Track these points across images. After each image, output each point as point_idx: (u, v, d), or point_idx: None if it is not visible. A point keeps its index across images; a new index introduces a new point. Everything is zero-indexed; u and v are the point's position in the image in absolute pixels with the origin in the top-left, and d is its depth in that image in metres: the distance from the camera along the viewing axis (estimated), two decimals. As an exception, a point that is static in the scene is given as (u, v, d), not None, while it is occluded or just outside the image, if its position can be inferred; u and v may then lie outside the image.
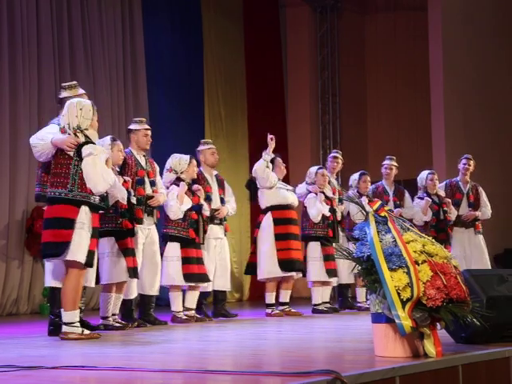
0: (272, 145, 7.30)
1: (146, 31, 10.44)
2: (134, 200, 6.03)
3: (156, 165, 6.51)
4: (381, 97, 13.28)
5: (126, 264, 5.83)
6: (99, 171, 4.89)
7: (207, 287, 6.90)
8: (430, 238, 3.68)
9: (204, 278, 6.66)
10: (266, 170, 7.27)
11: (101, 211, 5.28)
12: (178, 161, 6.70)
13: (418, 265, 3.47)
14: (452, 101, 11.51)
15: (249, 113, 12.07)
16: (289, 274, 7.34)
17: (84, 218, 4.90)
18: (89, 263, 4.98)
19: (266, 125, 11.89)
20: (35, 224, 8.57)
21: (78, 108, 4.99)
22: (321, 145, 12.95)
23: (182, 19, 11.01)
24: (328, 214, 7.58)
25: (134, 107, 10.16)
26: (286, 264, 7.27)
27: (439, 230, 8.23)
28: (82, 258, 4.91)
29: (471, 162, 8.65)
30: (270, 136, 7.34)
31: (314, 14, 13.20)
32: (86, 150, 4.92)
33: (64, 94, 5.51)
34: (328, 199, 7.74)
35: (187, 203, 6.54)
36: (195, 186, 6.77)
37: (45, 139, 5.03)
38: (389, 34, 13.29)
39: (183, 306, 6.67)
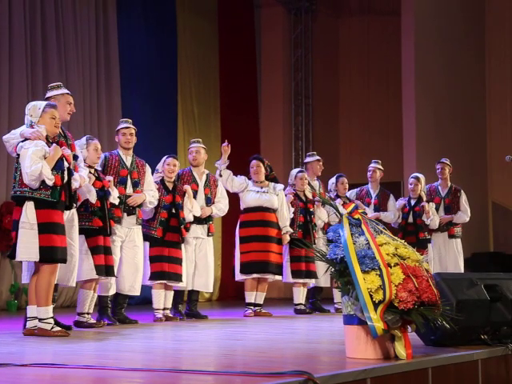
0: (226, 152, 7.27)
1: (120, 31, 10.39)
2: (115, 201, 6.02)
3: (147, 167, 6.52)
4: (353, 99, 13.39)
5: (93, 261, 5.79)
6: (25, 164, 4.91)
7: (185, 286, 6.86)
8: (403, 241, 3.72)
9: (173, 276, 6.63)
10: (219, 179, 7.27)
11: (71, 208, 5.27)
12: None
13: (391, 267, 3.50)
14: (423, 102, 11.64)
15: (222, 113, 12.07)
16: (246, 276, 7.32)
17: (25, 217, 4.93)
18: (54, 259, 4.98)
19: (239, 125, 11.95)
20: (4, 220, 8.49)
21: (28, 108, 5.15)
22: (293, 146, 13.00)
23: (156, 19, 10.98)
24: (291, 215, 7.59)
25: (107, 107, 10.10)
26: (244, 267, 7.29)
27: (406, 232, 8.28)
28: (32, 256, 4.94)
29: (445, 166, 8.74)
30: (224, 144, 7.34)
31: (289, 16, 13.24)
32: (18, 146, 5.01)
33: (48, 93, 5.60)
34: (301, 201, 7.77)
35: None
36: (184, 187, 6.82)
37: (15, 133, 5.14)
38: (362, 37, 13.41)
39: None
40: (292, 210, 7.64)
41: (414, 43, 11.57)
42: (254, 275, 7.32)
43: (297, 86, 13.17)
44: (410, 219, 8.47)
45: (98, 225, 5.84)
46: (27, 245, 4.92)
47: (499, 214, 12.99)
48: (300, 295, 7.79)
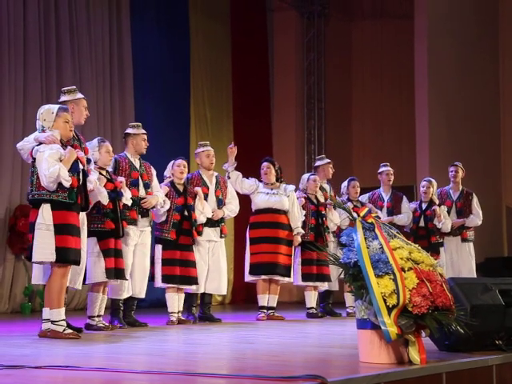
0: (232, 154, 7.28)
1: (134, 35, 10.43)
2: (128, 202, 6.04)
3: (153, 169, 6.56)
4: (366, 102, 13.36)
5: (104, 265, 5.81)
6: (42, 166, 4.94)
7: (197, 289, 6.87)
8: (417, 246, 3.70)
9: (187, 280, 6.63)
10: (228, 181, 7.28)
11: (83, 210, 5.29)
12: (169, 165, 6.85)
13: (405, 272, 3.49)
14: (436, 106, 11.60)
15: (234, 116, 12.07)
16: (255, 278, 7.34)
17: (41, 218, 4.96)
18: (67, 260, 5.01)
19: (251, 129, 11.95)
20: (18, 222, 8.53)
21: (40, 112, 5.17)
22: (306, 150, 12.98)
23: (169, 22, 11.01)
24: (302, 218, 7.58)
25: (120, 110, 10.13)
26: (253, 268, 7.30)
27: (418, 237, 8.25)
28: (48, 257, 4.96)
29: (459, 169, 8.70)
30: (230, 145, 7.35)
31: (302, 20, 13.24)
32: (34, 149, 5.03)
33: (63, 97, 5.62)
34: (313, 204, 7.76)
35: (166, 205, 6.56)
36: (195, 189, 6.82)
37: (29, 140, 5.17)
38: (375, 40, 13.38)
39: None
40: (303, 212, 7.63)
41: (427, 46, 11.53)
42: (263, 276, 7.33)
43: (309, 90, 13.16)
44: (421, 223, 8.43)
45: (111, 227, 5.84)
46: (43, 245, 4.95)
47: (513, 218, 12.92)
48: (312, 299, 7.77)
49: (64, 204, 5.00)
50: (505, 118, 13.04)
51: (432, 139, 11.46)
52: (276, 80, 12.98)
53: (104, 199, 5.73)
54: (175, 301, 6.64)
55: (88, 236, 5.68)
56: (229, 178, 7.31)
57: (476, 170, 11.80)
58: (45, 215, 4.97)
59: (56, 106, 5.21)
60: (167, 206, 6.57)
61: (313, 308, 7.76)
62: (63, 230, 4.99)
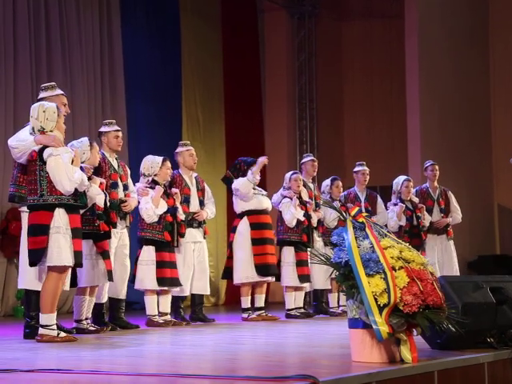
0: (261, 165, 7.28)
1: (125, 36, 10.40)
2: (108, 203, 6.02)
3: (127, 168, 6.48)
4: (357, 102, 13.38)
5: (104, 267, 5.80)
6: (63, 171, 4.87)
7: (183, 291, 6.87)
8: (407, 245, 3.71)
9: (175, 282, 6.63)
10: (251, 191, 7.26)
11: (81, 210, 5.27)
12: (150, 164, 6.68)
13: (395, 271, 3.49)
14: (428, 106, 11.63)
15: (226, 117, 12.07)
16: (265, 278, 7.35)
17: (59, 222, 4.89)
18: (77, 264, 5.00)
19: (243, 130, 11.96)
20: (10, 226, 8.50)
21: (41, 111, 5.02)
22: (298, 150, 12.99)
23: (160, 26, 11.00)
24: (302, 218, 7.58)
25: (112, 114, 10.09)
26: (261, 269, 7.29)
27: (413, 235, 8.26)
28: (65, 261, 4.91)
29: (437, 167, 8.73)
30: (264, 158, 7.34)
31: (292, 20, 13.25)
32: (46, 152, 4.92)
33: (42, 94, 5.49)
34: (302, 204, 7.75)
35: (163, 206, 6.54)
36: (173, 190, 6.77)
37: (26, 139, 5.01)
38: (365, 40, 13.41)
39: (158, 311, 6.65)
40: (302, 212, 7.59)
41: (417, 46, 11.56)
42: (268, 278, 7.35)
43: (301, 90, 13.17)
44: (414, 222, 8.44)
45: (105, 229, 5.83)
46: (61, 250, 4.87)
47: (505, 216, 12.95)
48: (292, 300, 7.71)
49: (74, 207, 4.96)
50: (495, 117, 13.08)
51: (423, 138, 11.48)
52: (267, 81, 12.99)
53: (102, 200, 5.72)
54: (155, 303, 6.59)
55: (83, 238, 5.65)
56: (254, 188, 7.25)
57: (468, 167, 11.84)
58: (62, 219, 4.89)
59: (54, 105, 5.09)
60: (164, 208, 6.51)
61: (293, 309, 7.69)
62: (76, 233, 4.96)
